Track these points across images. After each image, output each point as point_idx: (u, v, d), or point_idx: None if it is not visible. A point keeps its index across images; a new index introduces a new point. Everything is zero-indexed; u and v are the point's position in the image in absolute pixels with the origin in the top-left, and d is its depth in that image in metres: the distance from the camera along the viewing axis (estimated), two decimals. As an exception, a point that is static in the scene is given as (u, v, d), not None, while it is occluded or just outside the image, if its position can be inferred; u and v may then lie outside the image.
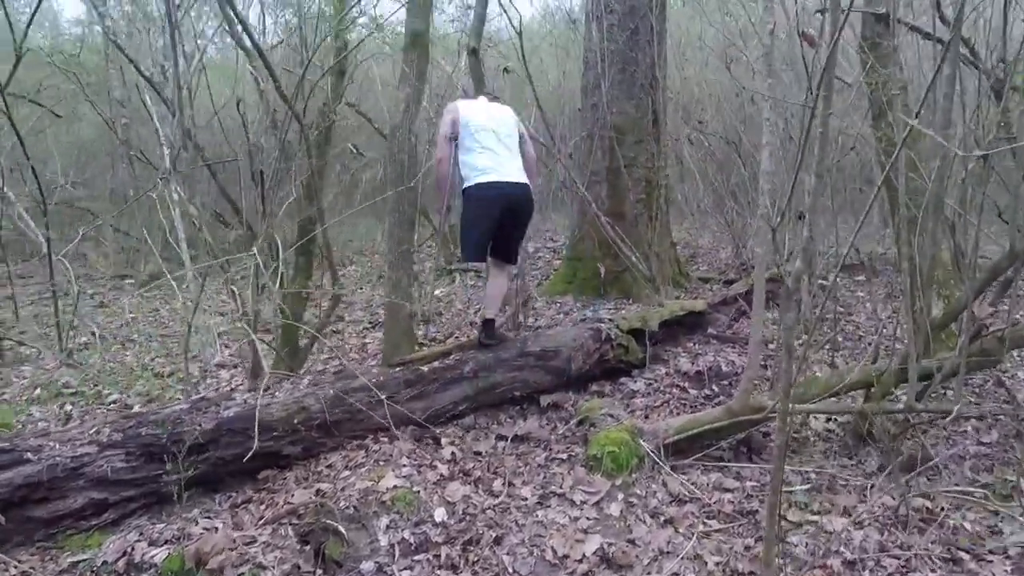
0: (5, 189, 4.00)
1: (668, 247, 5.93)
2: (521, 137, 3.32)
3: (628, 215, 5.53)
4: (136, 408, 3.06)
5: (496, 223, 3.10)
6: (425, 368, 2.91)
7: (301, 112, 2.80)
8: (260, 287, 2.57)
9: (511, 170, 3.10)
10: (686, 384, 3.57)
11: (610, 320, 3.80)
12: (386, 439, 2.65)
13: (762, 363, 3.63)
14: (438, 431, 2.83)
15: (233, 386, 3.05)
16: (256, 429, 2.12)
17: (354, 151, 2.65)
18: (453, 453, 2.67)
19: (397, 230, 3.31)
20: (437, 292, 6.61)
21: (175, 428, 2.22)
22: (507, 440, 2.88)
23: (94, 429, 2.16)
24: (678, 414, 3.26)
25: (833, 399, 2.76)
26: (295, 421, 2.43)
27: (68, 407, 3.08)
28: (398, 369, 2.88)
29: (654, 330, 3.86)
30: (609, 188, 5.57)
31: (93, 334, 4.32)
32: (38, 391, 3.33)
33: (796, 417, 2.79)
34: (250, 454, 2.12)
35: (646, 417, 3.14)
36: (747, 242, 6.41)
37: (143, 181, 6.94)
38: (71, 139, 10.11)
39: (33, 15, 3.73)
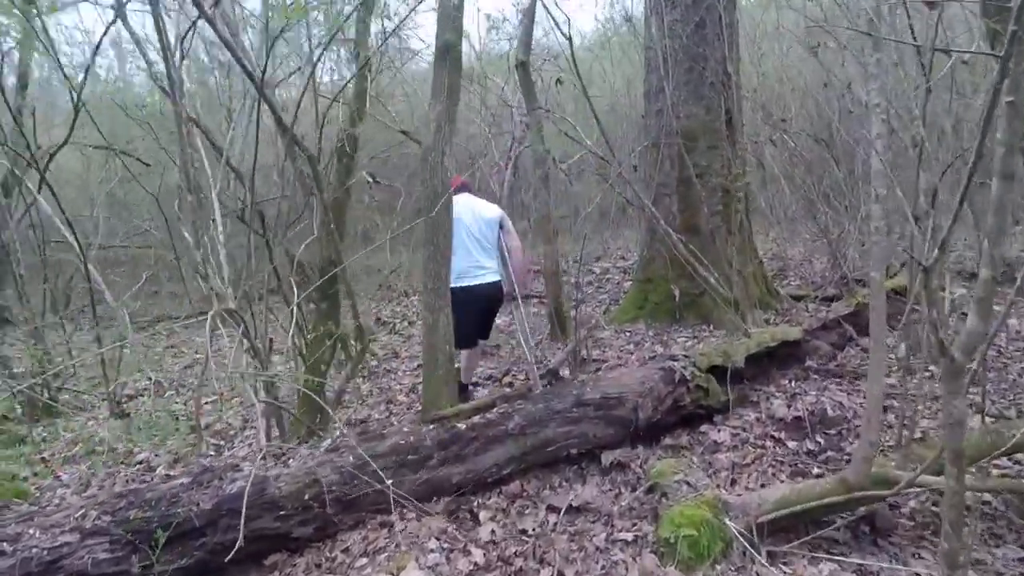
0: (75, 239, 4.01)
1: (752, 262, 5.24)
2: (503, 229, 3.81)
3: (703, 229, 4.93)
4: (160, 469, 2.87)
5: (474, 318, 3.70)
6: (463, 425, 2.49)
7: (317, 142, 2.51)
8: (260, 343, 2.28)
9: (480, 272, 3.65)
10: (782, 434, 2.94)
11: (685, 357, 3.24)
12: (413, 515, 2.25)
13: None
14: (477, 502, 2.40)
15: (246, 452, 2.77)
16: (243, 511, 1.78)
17: (370, 181, 2.34)
18: (493, 532, 2.23)
19: (432, 264, 2.94)
20: (498, 320, 6.23)
21: (169, 509, 1.93)
22: (559, 513, 2.40)
23: (81, 511, 1.91)
24: (774, 475, 2.65)
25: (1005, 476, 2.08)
26: (306, 497, 2.08)
27: (91, 470, 2.93)
28: (431, 427, 2.48)
29: (739, 366, 3.26)
30: (680, 201, 5.00)
31: (149, 379, 4.27)
32: (78, 447, 3.24)
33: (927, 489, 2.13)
34: (235, 546, 1.78)
35: (733, 482, 2.56)
36: (846, 251, 5.59)
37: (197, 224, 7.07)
38: (159, 184, 10.68)
39: (85, 76, 3.70)
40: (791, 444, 2.87)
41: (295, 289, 2.38)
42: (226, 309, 2.23)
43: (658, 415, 2.94)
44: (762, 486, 2.54)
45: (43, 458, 3.14)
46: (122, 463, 3.01)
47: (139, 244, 8.62)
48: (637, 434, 2.91)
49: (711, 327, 4.77)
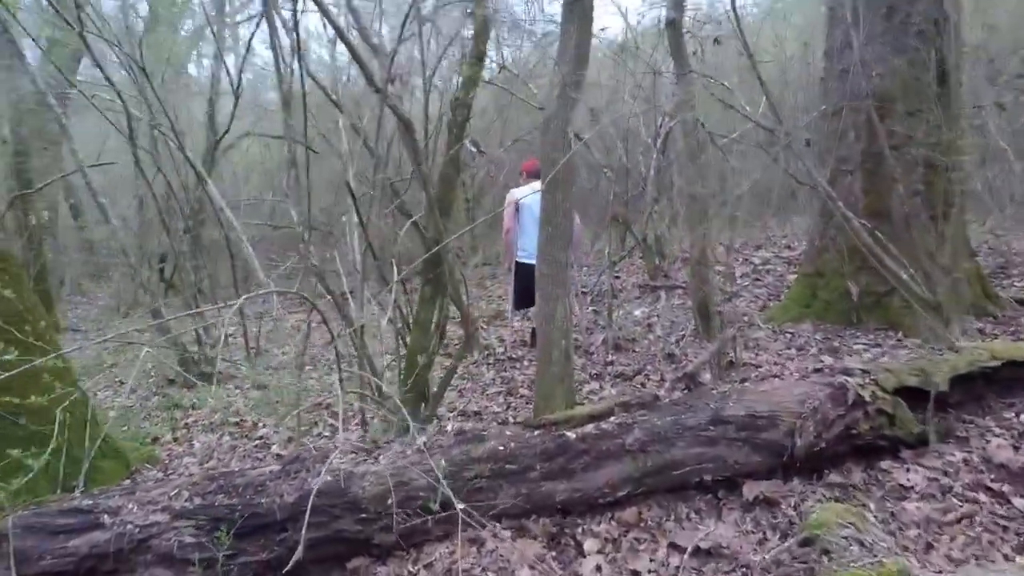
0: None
1: (963, 256, 4.18)
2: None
3: (895, 214, 4.02)
4: (275, 448, 2.93)
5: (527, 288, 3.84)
6: (572, 434, 2.15)
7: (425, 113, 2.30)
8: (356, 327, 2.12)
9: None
10: (1004, 486, 2.20)
11: (863, 372, 2.58)
12: (509, 531, 1.97)
13: None
14: (583, 527, 2.05)
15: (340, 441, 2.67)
16: (307, 514, 1.62)
17: (473, 150, 2.07)
18: (598, 568, 1.87)
19: (549, 248, 2.62)
20: (637, 312, 5.74)
21: (253, 498, 1.86)
22: (684, 553, 1.97)
23: (176, 491, 1.91)
24: (991, 544, 1.96)
25: None
26: (389, 501, 1.89)
27: (220, 439, 3.08)
28: (537, 433, 2.17)
29: (942, 389, 2.52)
30: (865, 179, 4.13)
31: (283, 354, 4.50)
32: (216, 415, 3.46)
33: None
34: (297, 554, 1.62)
35: (928, 547, 1.93)
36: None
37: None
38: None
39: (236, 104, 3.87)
40: (1018, 503, 2.13)
41: (396, 270, 2.21)
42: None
43: (822, 443, 2.35)
44: (975, 558, 1.88)
45: (186, 424, 3.42)
46: (244, 437, 3.15)
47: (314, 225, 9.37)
48: (792, 464, 2.35)
49: (900, 335, 3.88)
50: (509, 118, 9.88)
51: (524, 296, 4.34)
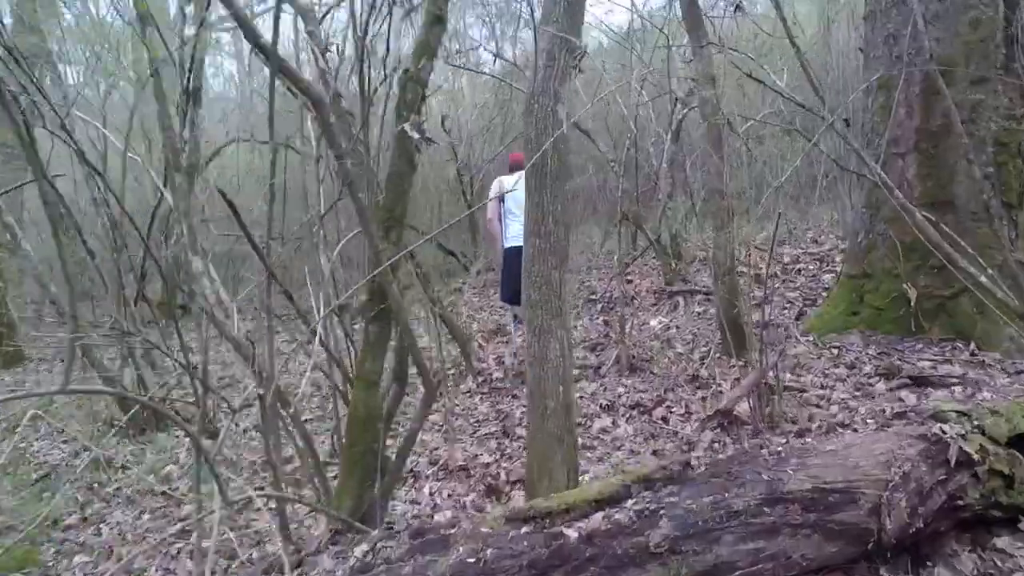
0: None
1: (1041, 250, 3.52)
2: None
3: (960, 202, 3.38)
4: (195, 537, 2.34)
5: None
6: (574, 532, 1.54)
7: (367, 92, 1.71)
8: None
9: None
10: None
11: (960, 415, 1.95)
12: None
13: None
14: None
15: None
16: None
17: (417, 135, 1.48)
18: None
19: (539, 266, 2.01)
20: (653, 323, 5.12)
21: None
22: None
23: None
24: None
25: None
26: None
27: (145, 515, 2.47)
28: (524, 530, 1.57)
29: (1070, 436, 1.89)
30: (921, 162, 3.48)
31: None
32: (145, 480, 2.87)
33: None
34: None
35: None
36: None
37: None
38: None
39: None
40: None
41: (326, 301, 1.63)
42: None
43: (918, 521, 1.72)
44: None
45: (107, 495, 2.70)
46: (167, 515, 2.50)
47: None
48: (880, 553, 1.73)
49: (972, 347, 3.24)
50: (511, 112, 9.30)
51: (510, 284, 4.24)
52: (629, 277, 6.59)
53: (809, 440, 2.18)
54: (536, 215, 2.03)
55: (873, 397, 2.94)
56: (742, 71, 3.14)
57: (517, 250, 3.80)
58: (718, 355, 3.89)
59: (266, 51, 1.32)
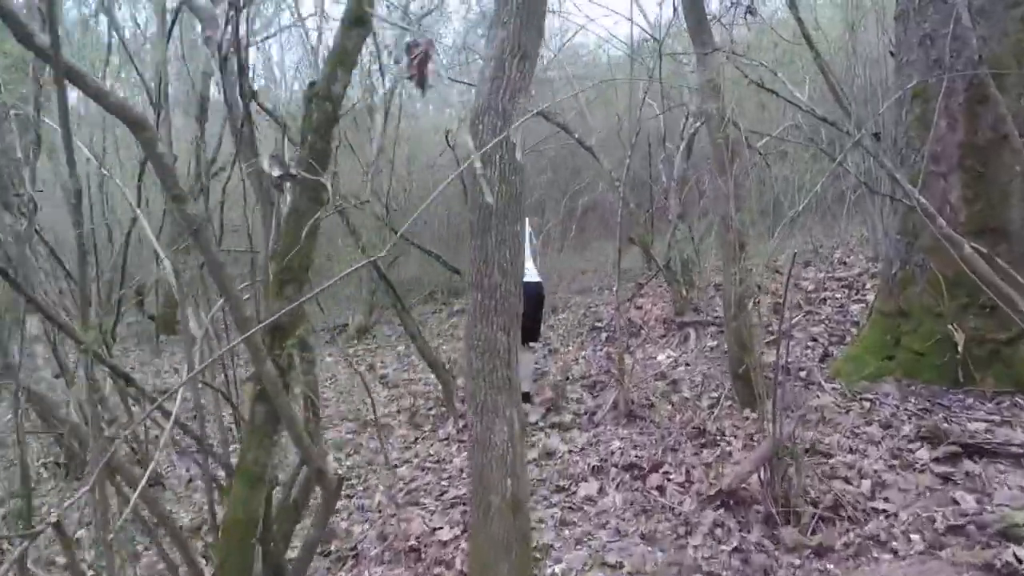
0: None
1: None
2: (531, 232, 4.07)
3: (1015, 229, 2.88)
4: None
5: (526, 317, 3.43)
6: None
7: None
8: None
9: (532, 270, 3.93)
10: None
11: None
12: None
13: None
14: None
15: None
16: None
17: (273, 172, 1.10)
18: None
19: (483, 328, 1.59)
20: (661, 357, 4.63)
21: None
22: None
23: None
24: None
25: None
26: None
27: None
28: None
29: None
30: (967, 182, 2.98)
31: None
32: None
33: None
34: None
35: None
36: None
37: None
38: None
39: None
40: None
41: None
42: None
43: None
44: None
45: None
46: None
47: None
48: None
49: (1038, 404, 2.71)
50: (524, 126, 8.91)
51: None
52: (638, 303, 6.12)
53: (833, 570, 1.69)
54: (479, 263, 1.61)
55: (915, 468, 2.43)
56: (752, 80, 2.69)
57: (524, 288, 4.02)
58: (728, 403, 3.41)
59: (43, 53, 0.94)
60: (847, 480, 2.41)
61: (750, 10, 3.52)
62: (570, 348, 5.50)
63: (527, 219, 4.33)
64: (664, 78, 5.43)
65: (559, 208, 9.12)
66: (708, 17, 3.30)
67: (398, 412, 4.26)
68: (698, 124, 5.72)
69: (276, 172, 1.19)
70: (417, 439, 3.75)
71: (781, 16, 7.63)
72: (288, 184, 1.22)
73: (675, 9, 4.47)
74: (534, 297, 4.19)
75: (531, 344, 4.27)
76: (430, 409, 4.17)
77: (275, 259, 1.47)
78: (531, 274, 4.06)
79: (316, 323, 7.95)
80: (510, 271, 1.59)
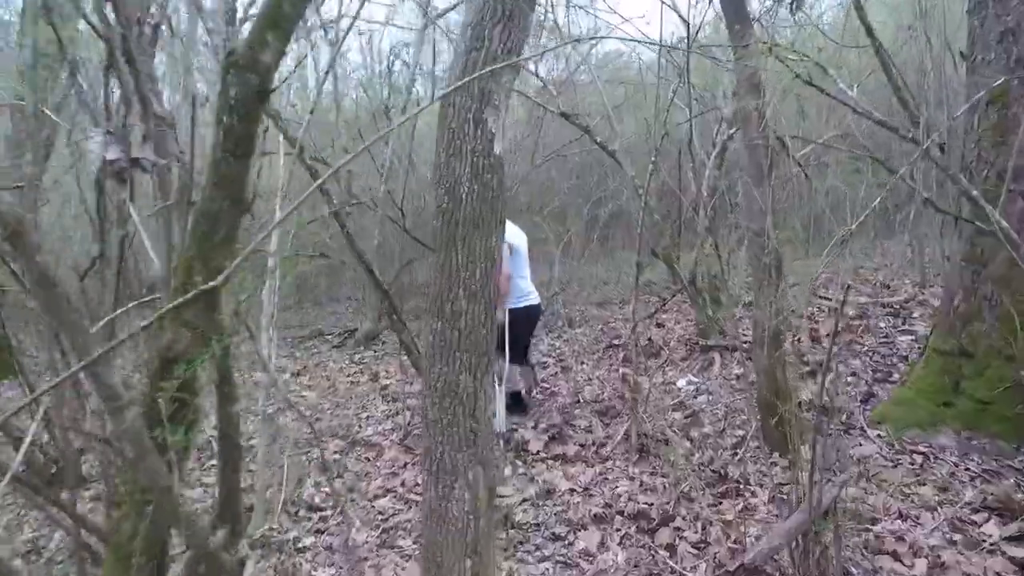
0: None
1: None
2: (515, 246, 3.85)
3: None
4: None
5: (529, 336, 4.07)
6: None
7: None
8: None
9: (533, 291, 3.94)
10: None
11: None
12: None
13: None
14: None
15: None
16: None
17: (113, 156, 0.84)
18: None
19: (442, 371, 1.24)
20: (681, 383, 4.22)
21: None
22: None
23: None
24: None
25: None
26: None
27: None
28: None
29: None
30: (1053, 205, 2.52)
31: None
32: None
33: None
34: None
35: None
36: None
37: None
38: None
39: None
40: None
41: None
42: None
43: None
44: None
45: None
46: None
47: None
48: None
49: None
50: (547, 129, 8.59)
51: (524, 343, 3.99)
52: (660, 320, 5.71)
53: None
54: (442, 284, 1.27)
55: (981, 548, 2.01)
56: (798, 75, 2.30)
57: (533, 308, 3.89)
58: (755, 444, 3.00)
59: None
60: (897, 557, 2.00)
61: (796, 4, 3.12)
62: (584, 366, 5.12)
63: (518, 229, 3.95)
64: (694, 79, 5.03)
65: (582, 215, 8.74)
66: (748, 12, 2.92)
67: (392, 430, 3.94)
68: (732, 131, 5.31)
69: (112, 156, 0.86)
70: (407, 464, 3.42)
71: (825, 19, 7.15)
72: (133, 174, 0.90)
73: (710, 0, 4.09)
74: (537, 317, 4.08)
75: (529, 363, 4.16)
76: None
77: (180, 268, 1.16)
78: (534, 295, 3.94)
79: (324, 327, 7.72)
80: (480, 295, 1.25)
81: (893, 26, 6.14)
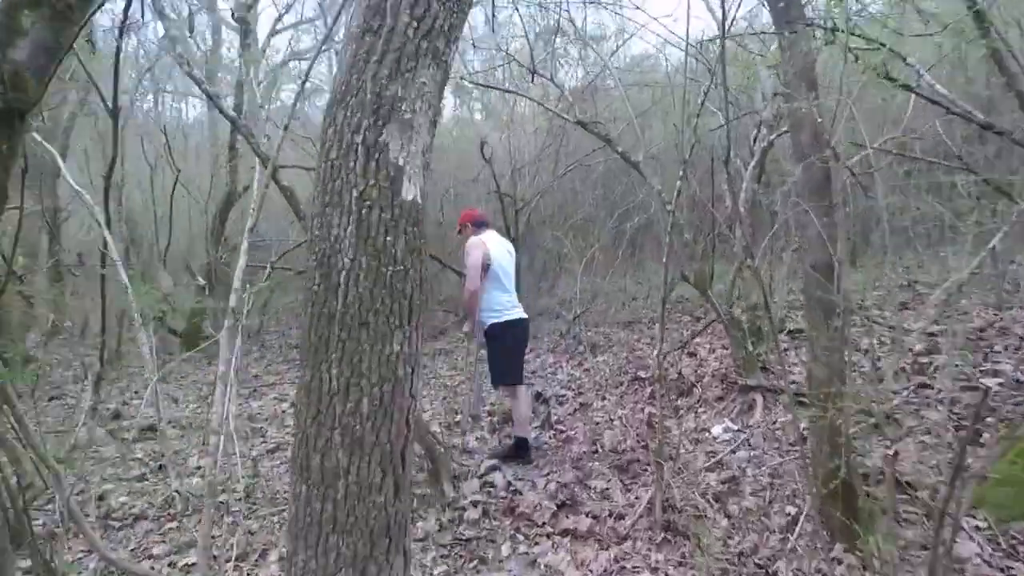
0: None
1: None
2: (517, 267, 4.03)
3: None
4: None
5: (522, 352, 3.76)
6: None
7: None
8: None
9: (520, 307, 3.68)
10: None
11: None
12: None
13: None
14: None
15: None
16: None
17: None
18: None
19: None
20: (717, 430, 3.62)
21: None
22: None
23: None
24: None
25: None
26: None
27: None
28: None
29: None
30: None
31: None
32: None
33: None
34: None
35: None
36: None
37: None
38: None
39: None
40: None
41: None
42: None
43: None
44: None
45: None
46: None
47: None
48: None
49: None
50: (568, 138, 8.08)
51: (508, 367, 3.63)
52: (693, 349, 5.09)
53: None
54: (307, 424, 0.75)
55: None
56: (870, 68, 1.73)
57: (512, 324, 3.58)
58: (810, 527, 2.40)
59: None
60: None
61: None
62: (605, 402, 4.55)
63: (503, 239, 3.74)
64: (729, 78, 4.43)
65: (607, 227, 8.17)
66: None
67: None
68: (773, 136, 4.70)
69: None
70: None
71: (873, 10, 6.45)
72: None
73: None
74: (527, 332, 3.82)
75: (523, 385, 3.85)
76: (418, 482, 3.32)
77: None
78: (518, 310, 3.67)
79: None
80: (371, 444, 0.73)
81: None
